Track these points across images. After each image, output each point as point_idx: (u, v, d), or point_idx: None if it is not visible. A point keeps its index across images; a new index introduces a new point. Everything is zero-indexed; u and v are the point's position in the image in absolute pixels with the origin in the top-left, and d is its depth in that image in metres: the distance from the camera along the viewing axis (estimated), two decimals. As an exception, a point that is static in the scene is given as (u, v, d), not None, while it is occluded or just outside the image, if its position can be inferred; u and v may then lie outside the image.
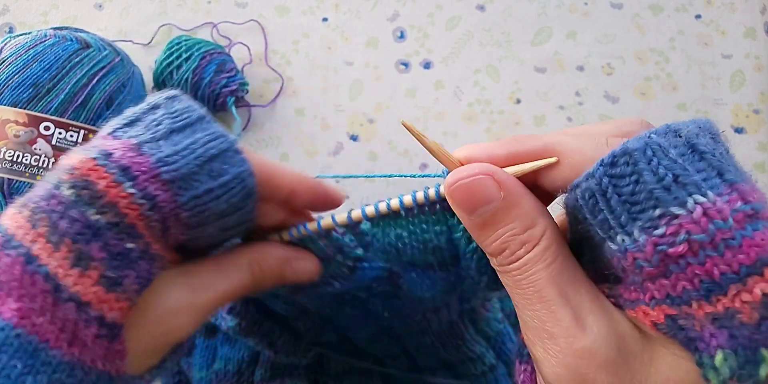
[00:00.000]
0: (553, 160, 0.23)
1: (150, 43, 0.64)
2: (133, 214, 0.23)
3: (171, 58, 0.57)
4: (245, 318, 0.40)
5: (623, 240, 0.20)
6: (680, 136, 0.21)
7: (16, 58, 0.49)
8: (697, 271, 0.19)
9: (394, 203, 0.27)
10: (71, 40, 0.51)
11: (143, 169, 0.23)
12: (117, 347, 0.23)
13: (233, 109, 0.59)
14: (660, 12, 0.64)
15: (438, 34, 0.64)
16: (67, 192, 0.23)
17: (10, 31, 0.65)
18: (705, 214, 0.19)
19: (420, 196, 0.27)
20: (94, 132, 0.50)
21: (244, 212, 0.27)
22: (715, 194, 0.19)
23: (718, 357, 0.19)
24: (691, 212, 0.19)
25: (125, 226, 0.23)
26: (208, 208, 0.25)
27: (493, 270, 0.26)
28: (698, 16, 0.64)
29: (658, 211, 0.19)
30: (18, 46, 0.50)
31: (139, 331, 0.25)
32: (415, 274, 0.31)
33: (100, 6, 0.65)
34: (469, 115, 0.62)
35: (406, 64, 0.64)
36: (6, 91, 0.48)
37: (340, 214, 0.29)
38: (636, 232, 0.20)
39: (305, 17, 0.65)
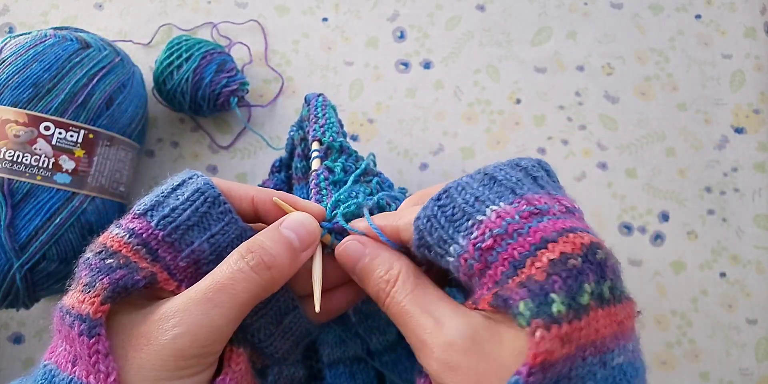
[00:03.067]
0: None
1: (150, 43, 0.64)
2: (116, 245, 0.31)
3: (171, 58, 0.57)
4: None
5: (455, 249, 0.28)
6: (486, 174, 0.30)
7: (16, 58, 0.49)
8: (504, 256, 0.26)
9: None
10: (71, 40, 0.51)
11: (128, 218, 0.32)
12: (96, 346, 0.27)
13: (237, 109, 0.59)
14: (660, 12, 0.64)
15: (438, 34, 0.64)
16: (88, 254, 0.31)
17: (10, 31, 0.65)
18: (498, 216, 0.27)
19: None
20: (94, 132, 0.50)
21: (222, 223, 0.33)
22: (505, 203, 0.28)
23: (521, 305, 0.24)
24: (489, 216, 0.27)
25: (110, 252, 0.30)
26: (178, 222, 0.31)
27: None
28: (698, 16, 0.64)
29: (470, 222, 0.28)
30: (18, 46, 0.50)
31: (144, 338, 0.28)
32: None
33: (100, 6, 0.65)
34: (469, 115, 0.62)
35: (406, 64, 0.64)
36: (6, 91, 0.48)
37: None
38: (460, 240, 0.28)
39: (305, 17, 0.65)
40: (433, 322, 0.27)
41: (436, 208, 0.29)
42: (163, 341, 0.27)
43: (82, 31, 0.56)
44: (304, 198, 0.37)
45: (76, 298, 0.28)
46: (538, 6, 0.65)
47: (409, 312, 0.28)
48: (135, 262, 0.30)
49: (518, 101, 0.62)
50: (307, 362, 0.48)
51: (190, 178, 0.34)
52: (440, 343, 0.26)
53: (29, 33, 0.52)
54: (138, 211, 0.32)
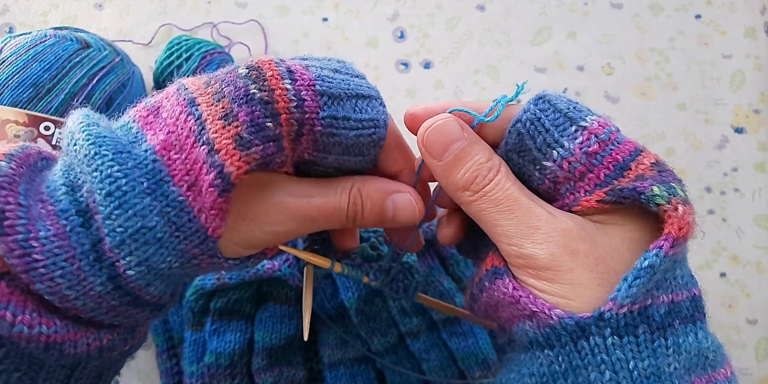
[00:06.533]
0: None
1: (150, 43, 0.64)
2: (281, 104, 0.28)
3: (171, 58, 0.57)
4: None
5: (558, 152, 0.29)
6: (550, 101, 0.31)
7: (16, 58, 0.49)
8: (609, 160, 0.29)
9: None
10: (71, 40, 0.51)
11: (304, 77, 0.29)
12: (222, 204, 0.27)
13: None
14: (660, 12, 0.64)
15: (438, 34, 0.64)
16: (241, 70, 0.29)
17: (10, 31, 0.65)
18: (599, 124, 0.29)
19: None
20: (95, 132, 0.50)
21: (365, 160, 0.32)
22: (597, 116, 0.30)
23: (655, 189, 0.27)
24: (591, 124, 0.29)
25: (272, 109, 0.28)
26: (340, 133, 0.29)
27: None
28: (698, 16, 0.64)
29: (573, 127, 0.29)
30: (18, 46, 0.50)
31: (245, 210, 0.29)
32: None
33: (100, 6, 0.65)
34: (469, 115, 0.62)
35: (406, 64, 0.64)
36: (6, 91, 0.48)
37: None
38: (566, 144, 0.29)
39: (305, 17, 0.65)
40: (545, 212, 0.29)
41: (538, 111, 0.30)
42: (262, 229, 0.30)
43: (82, 31, 0.56)
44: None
45: (225, 142, 0.27)
46: (538, 6, 0.65)
47: (518, 199, 0.29)
48: (283, 136, 0.28)
49: (518, 101, 0.62)
50: (308, 364, 0.48)
51: (376, 101, 0.31)
52: (558, 229, 0.28)
53: (29, 33, 0.52)
54: (319, 87, 0.29)
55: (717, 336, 0.29)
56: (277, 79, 0.28)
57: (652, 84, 0.62)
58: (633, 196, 0.28)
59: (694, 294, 0.28)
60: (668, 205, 0.27)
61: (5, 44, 0.51)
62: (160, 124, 0.28)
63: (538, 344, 0.28)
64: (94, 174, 0.26)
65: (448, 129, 0.30)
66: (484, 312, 0.32)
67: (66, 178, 0.27)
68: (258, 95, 0.27)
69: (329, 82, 0.29)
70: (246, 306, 0.48)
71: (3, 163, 0.27)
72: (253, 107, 0.27)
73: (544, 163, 0.30)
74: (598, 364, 0.26)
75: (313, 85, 0.29)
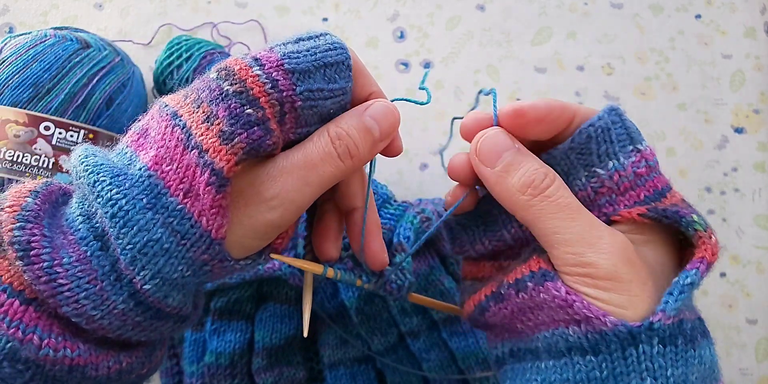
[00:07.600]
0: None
1: (150, 43, 0.64)
2: (257, 89, 0.29)
3: (171, 58, 0.57)
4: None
5: (613, 164, 0.31)
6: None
7: (16, 58, 0.49)
8: (651, 184, 0.31)
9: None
10: (71, 40, 0.51)
11: (270, 59, 0.29)
12: (221, 201, 0.28)
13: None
14: (660, 12, 0.64)
15: (438, 34, 0.64)
16: (212, 74, 0.30)
17: (10, 31, 0.65)
18: (650, 151, 0.32)
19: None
20: (95, 132, 0.50)
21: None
22: (647, 143, 0.32)
23: (694, 216, 0.30)
24: (646, 148, 0.32)
25: (249, 96, 0.29)
26: (317, 104, 0.30)
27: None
28: (698, 16, 0.64)
29: (631, 147, 0.32)
30: (18, 46, 0.50)
31: (241, 201, 0.30)
32: None
33: (100, 6, 0.65)
34: (469, 115, 0.62)
35: (406, 64, 0.64)
36: (6, 91, 0.48)
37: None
38: (621, 158, 0.31)
39: (305, 17, 0.65)
40: (602, 224, 0.30)
41: (610, 122, 0.32)
42: (263, 209, 0.30)
43: (82, 31, 0.56)
44: None
45: (211, 140, 0.28)
46: (538, 6, 0.65)
47: (579, 208, 0.30)
48: (269, 119, 0.29)
49: (518, 101, 0.62)
50: (308, 364, 0.48)
51: (344, 65, 0.32)
52: (618, 240, 0.29)
53: (29, 33, 0.52)
54: (287, 65, 0.30)
55: (717, 336, 0.31)
56: (245, 69, 0.29)
57: (652, 84, 0.62)
58: (674, 218, 0.30)
59: (700, 316, 0.31)
60: (704, 233, 0.29)
61: (5, 44, 0.51)
62: (150, 142, 0.30)
63: (580, 350, 0.28)
64: (98, 200, 0.28)
65: (498, 139, 0.32)
66: (509, 315, 0.32)
67: (81, 208, 0.29)
68: (231, 90, 0.29)
69: (296, 58, 0.30)
70: (246, 306, 0.48)
71: (29, 200, 0.29)
72: (229, 101, 0.28)
73: (597, 169, 0.32)
74: (641, 371, 0.27)
75: (282, 65, 0.29)
